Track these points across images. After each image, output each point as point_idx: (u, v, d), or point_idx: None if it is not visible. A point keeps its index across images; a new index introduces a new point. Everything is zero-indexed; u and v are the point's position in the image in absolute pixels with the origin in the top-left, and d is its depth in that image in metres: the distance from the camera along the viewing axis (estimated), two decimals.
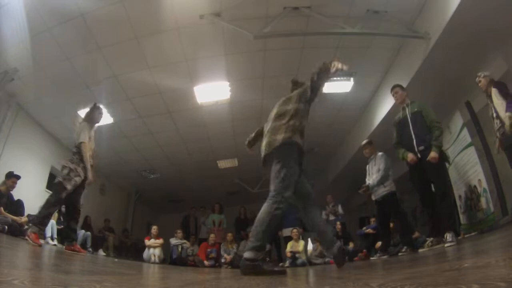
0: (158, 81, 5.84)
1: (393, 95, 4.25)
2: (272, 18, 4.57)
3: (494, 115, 3.77)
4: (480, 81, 3.90)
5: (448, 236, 3.37)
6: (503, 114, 3.56)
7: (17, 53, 4.83)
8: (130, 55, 5.29)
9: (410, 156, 3.73)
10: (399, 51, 5.47)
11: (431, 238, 3.84)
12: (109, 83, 5.78)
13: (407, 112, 3.94)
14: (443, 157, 3.70)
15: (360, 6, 4.63)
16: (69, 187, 3.75)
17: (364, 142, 5.00)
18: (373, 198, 4.63)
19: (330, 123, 7.64)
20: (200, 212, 9.00)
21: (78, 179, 3.84)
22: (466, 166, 5.06)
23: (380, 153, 4.73)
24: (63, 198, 3.77)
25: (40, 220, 3.68)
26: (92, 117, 4.19)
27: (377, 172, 4.56)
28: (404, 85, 5.19)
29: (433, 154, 3.49)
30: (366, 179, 4.80)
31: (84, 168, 3.90)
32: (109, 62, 5.38)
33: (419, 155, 3.69)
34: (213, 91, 6.25)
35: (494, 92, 3.70)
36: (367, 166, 4.86)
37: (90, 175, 3.94)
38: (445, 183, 3.69)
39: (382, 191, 4.49)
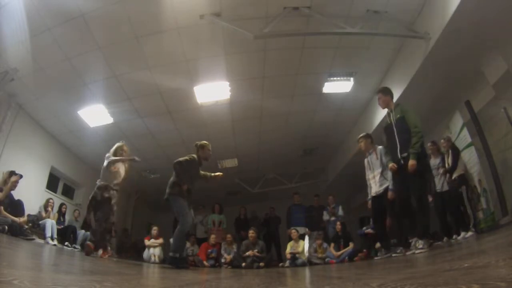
0: (158, 81, 5.83)
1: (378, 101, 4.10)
2: (272, 18, 4.56)
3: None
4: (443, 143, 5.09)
5: (419, 243, 3.36)
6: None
7: (17, 53, 4.82)
8: (130, 55, 5.28)
9: (389, 165, 3.78)
10: (399, 51, 5.46)
11: (400, 248, 3.79)
12: (109, 83, 5.78)
13: (392, 118, 3.83)
14: (423, 163, 3.58)
15: (360, 6, 4.62)
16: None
17: (361, 135, 4.55)
18: (374, 194, 4.24)
19: (330, 123, 7.63)
20: (197, 211, 8.93)
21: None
22: (466, 166, 5.06)
23: (380, 147, 4.28)
24: None
25: None
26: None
27: (381, 167, 4.19)
28: (404, 85, 5.21)
29: (410, 162, 3.44)
30: (366, 175, 4.41)
31: None
32: (109, 62, 5.37)
33: (402, 161, 3.60)
34: (213, 91, 6.24)
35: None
36: (365, 160, 4.45)
37: None
38: (421, 189, 3.59)
39: (384, 183, 4.11)
